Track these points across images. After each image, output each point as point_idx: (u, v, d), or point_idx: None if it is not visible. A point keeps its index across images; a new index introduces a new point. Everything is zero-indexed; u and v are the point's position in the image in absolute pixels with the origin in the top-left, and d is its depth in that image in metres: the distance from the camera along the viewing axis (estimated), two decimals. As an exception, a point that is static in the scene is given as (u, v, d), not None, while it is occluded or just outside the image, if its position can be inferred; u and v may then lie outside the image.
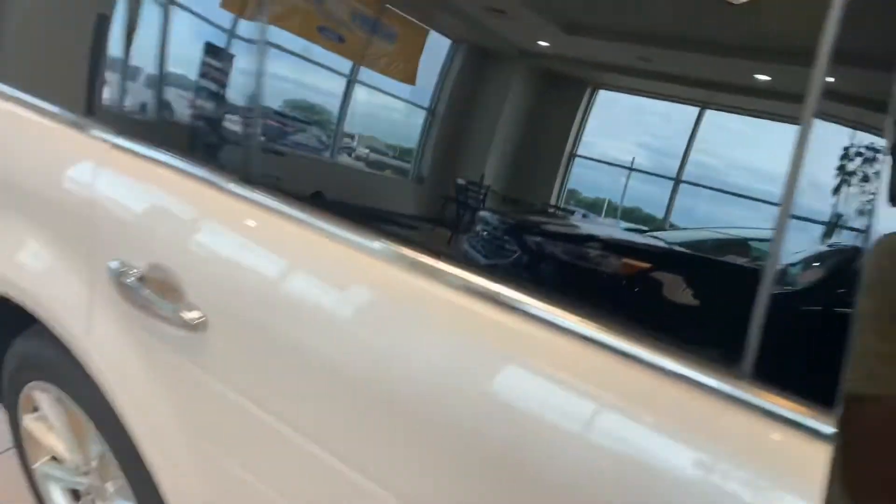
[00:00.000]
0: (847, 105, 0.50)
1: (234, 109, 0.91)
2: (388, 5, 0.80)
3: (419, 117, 0.75)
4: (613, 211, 0.59)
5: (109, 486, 1.34)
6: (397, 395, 0.71)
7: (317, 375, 0.78)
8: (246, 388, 0.86)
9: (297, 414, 0.82)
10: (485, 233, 0.67)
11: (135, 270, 0.95)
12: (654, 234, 0.59)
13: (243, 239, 0.88)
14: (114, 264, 0.97)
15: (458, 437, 0.66)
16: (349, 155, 0.81)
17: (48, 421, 1.38)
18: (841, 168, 0.50)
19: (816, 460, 0.49)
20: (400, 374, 0.71)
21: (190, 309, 0.89)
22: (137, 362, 1.01)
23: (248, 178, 0.86)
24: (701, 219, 0.57)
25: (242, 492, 0.93)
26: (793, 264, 0.52)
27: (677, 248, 0.59)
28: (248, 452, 0.90)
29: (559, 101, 0.65)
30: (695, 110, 0.57)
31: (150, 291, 0.92)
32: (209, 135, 0.96)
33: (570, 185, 0.61)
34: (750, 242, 0.56)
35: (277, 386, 0.83)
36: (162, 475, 1.06)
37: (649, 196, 0.57)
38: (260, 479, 0.89)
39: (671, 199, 0.57)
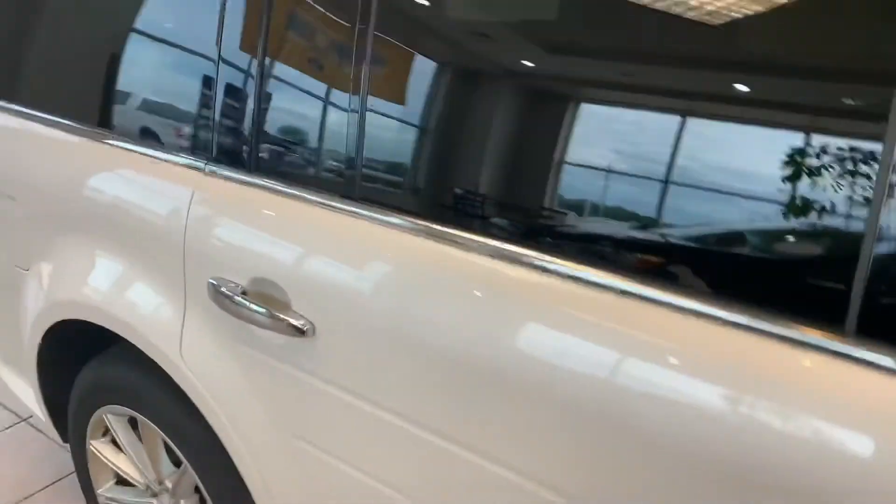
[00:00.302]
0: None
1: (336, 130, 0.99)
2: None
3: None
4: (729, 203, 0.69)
5: (182, 505, 1.39)
6: (521, 382, 0.78)
7: (434, 368, 0.85)
8: (361, 387, 0.93)
9: (416, 408, 0.88)
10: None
11: (236, 285, 1.02)
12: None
13: (346, 247, 0.95)
14: (214, 281, 1.04)
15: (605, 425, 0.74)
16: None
17: (118, 444, 1.43)
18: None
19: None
20: (518, 356, 0.79)
21: (297, 317, 0.96)
22: (236, 374, 1.07)
23: (347, 194, 0.95)
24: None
25: (351, 492, 0.99)
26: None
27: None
28: (361, 450, 0.96)
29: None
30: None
31: (256, 303, 0.99)
32: (299, 158, 1.04)
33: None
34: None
35: (395, 383, 0.89)
36: (257, 484, 1.11)
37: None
38: (373, 477, 0.95)
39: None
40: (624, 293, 0.73)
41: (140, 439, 1.40)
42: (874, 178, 0.61)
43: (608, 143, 0.75)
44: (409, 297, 0.89)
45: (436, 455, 0.87)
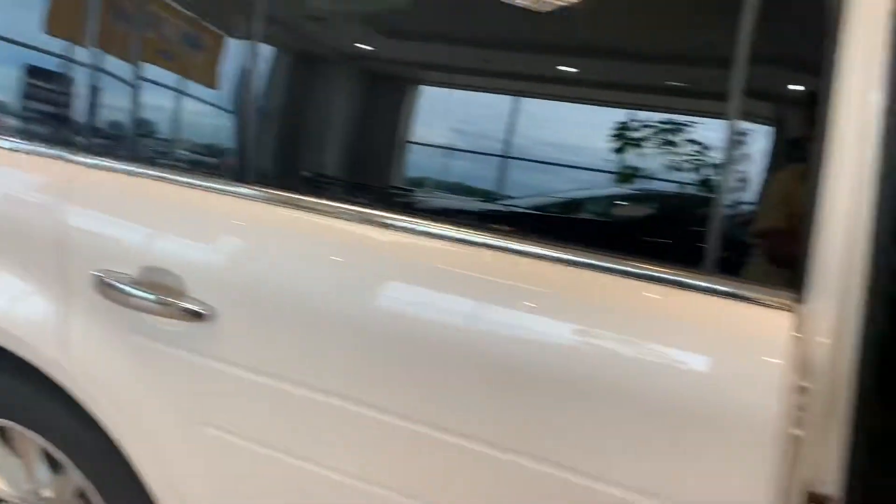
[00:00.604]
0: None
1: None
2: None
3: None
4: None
5: (66, 513, 1.32)
6: (419, 340, 0.85)
7: (335, 336, 0.90)
8: (268, 365, 0.94)
9: (322, 378, 0.92)
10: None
11: (125, 276, 1.00)
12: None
13: (237, 229, 0.97)
14: (98, 273, 1.01)
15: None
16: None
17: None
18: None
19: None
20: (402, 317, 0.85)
21: (195, 302, 0.96)
22: (132, 369, 1.03)
23: (233, 176, 0.98)
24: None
25: (267, 471, 1.00)
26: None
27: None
28: (274, 427, 0.97)
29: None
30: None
31: (149, 292, 0.97)
32: (178, 145, 1.03)
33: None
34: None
35: (301, 356, 0.92)
36: (159, 480, 1.08)
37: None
38: (289, 453, 0.96)
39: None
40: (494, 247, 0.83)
41: (11, 450, 1.31)
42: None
43: (451, 119, 0.88)
44: (303, 270, 0.93)
45: (346, 420, 0.91)
